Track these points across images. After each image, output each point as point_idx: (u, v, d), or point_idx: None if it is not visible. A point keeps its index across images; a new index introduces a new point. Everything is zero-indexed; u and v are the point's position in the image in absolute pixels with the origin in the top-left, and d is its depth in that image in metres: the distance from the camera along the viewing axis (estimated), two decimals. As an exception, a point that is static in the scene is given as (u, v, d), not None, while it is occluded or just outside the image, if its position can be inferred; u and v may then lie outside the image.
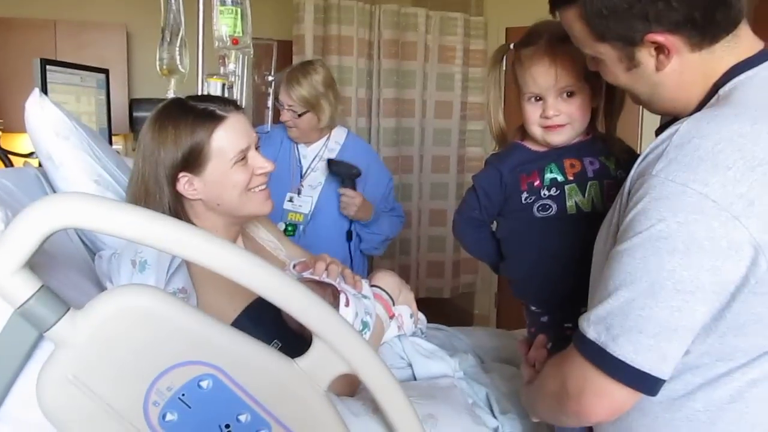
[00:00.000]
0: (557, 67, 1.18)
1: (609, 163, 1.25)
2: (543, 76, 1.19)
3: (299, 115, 2.31)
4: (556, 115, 1.21)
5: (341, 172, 2.30)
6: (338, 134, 2.47)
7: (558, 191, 1.24)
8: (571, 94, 1.21)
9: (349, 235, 2.40)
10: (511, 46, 1.28)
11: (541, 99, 1.22)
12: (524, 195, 1.26)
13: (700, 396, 0.91)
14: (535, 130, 1.25)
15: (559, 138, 1.24)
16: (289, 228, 2.37)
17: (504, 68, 1.32)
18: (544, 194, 1.24)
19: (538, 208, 1.25)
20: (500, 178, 1.28)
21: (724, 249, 0.81)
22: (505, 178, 1.28)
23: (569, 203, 1.23)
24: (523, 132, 1.30)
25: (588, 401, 0.91)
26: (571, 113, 1.22)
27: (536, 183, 1.25)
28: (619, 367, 0.87)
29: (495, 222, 1.39)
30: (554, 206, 1.24)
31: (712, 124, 0.86)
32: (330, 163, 2.33)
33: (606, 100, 1.27)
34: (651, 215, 0.85)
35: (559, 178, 1.24)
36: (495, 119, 1.32)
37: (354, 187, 2.31)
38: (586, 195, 1.23)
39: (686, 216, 0.82)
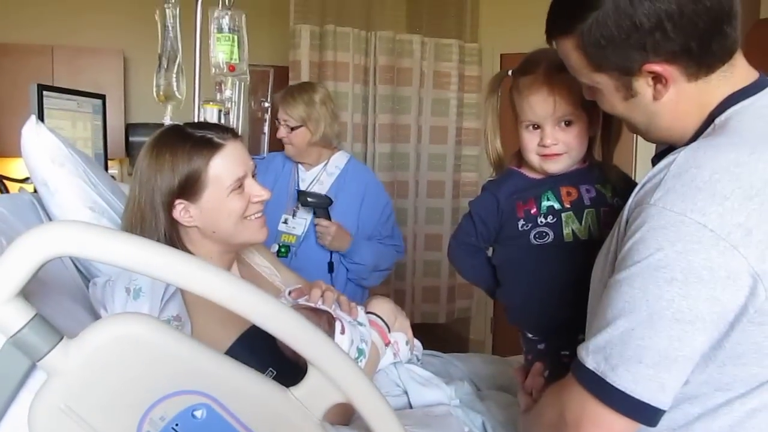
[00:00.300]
0: (555, 96, 1.18)
1: (605, 190, 1.25)
2: (541, 105, 1.19)
3: (292, 129, 2.33)
4: (554, 144, 1.21)
5: (312, 203, 2.30)
6: (339, 159, 2.47)
7: (555, 219, 1.23)
8: (569, 123, 1.21)
9: (330, 267, 2.38)
10: (509, 72, 1.28)
11: (538, 127, 1.22)
12: (521, 222, 1.25)
13: (700, 426, 0.91)
14: (533, 158, 1.24)
15: (556, 166, 1.24)
16: (282, 249, 2.37)
17: (500, 94, 1.32)
18: (541, 222, 1.24)
19: (534, 235, 1.24)
20: (497, 205, 1.28)
21: (723, 278, 0.81)
22: (502, 204, 1.27)
23: (566, 231, 1.23)
24: (520, 158, 1.30)
25: (586, 431, 0.90)
26: (569, 142, 1.22)
27: (533, 210, 1.25)
28: (618, 397, 0.86)
29: (491, 248, 1.38)
30: (551, 234, 1.23)
31: (709, 154, 0.87)
32: (300, 194, 2.32)
33: (603, 127, 1.27)
34: (649, 244, 0.85)
35: (556, 205, 1.24)
36: (492, 146, 1.32)
37: (328, 217, 2.31)
38: (583, 223, 1.22)
39: (684, 245, 0.82)
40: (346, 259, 2.37)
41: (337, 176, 2.43)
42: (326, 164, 2.44)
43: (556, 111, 1.19)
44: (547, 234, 1.24)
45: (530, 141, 1.23)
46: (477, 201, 1.34)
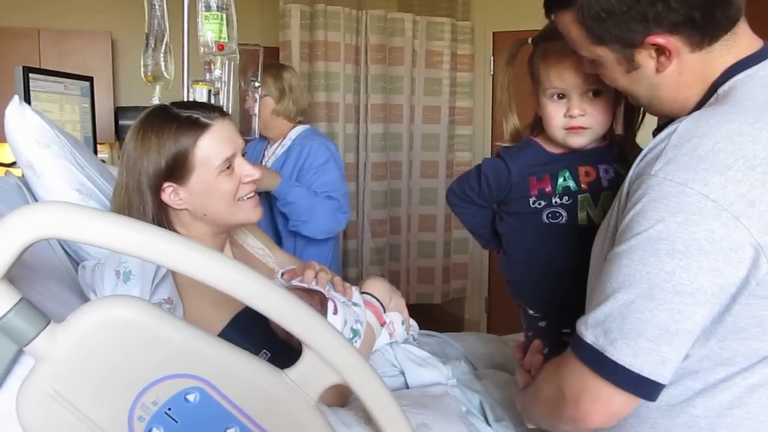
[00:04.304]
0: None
1: (624, 171, 1.18)
2: (571, 72, 1.13)
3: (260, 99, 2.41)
4: (581, 115, 1.15)
5: None
6: (295, 131, 2.55)
7: (570, 200, 1.20)
8: (597, 94, 1.15)
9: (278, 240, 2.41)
10: (529, 40, 1.22)
11: (564, 97, 1.16)
12: (533, 199, 1.22)
13: (700, 402, 0.90)
14: (557, 132, 1.19)
15: (580, 140, 1.19)
16: None
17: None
18: (556, 202, 1.20)
19: (547, 215, 1.21)
20: (507, 176, 1.24)
21: (725, 250, 0.80)
22: (513, 177, 1.23)
23: (581, 215, 1.19)
24: (534, 129, 1.27)
25: (585, 407, 0.89)
26: (595, 115, 1.16)
27: (547, 189, 1.21)
28: (618, 372, 0.85)
29: (498, 216, 1.34)
30: (565, 215, 1.20)
31: (711, 123, 0.85)
32: None
33: (627, 103, 1.20)
34: (650, 216, 0.83)
35: (573, 186, 1.20)
36: (509, 118, 1.28)
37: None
38: (599, 206, 1.19)
39: (686, 216, 0.81)
40: (279, 201, 2.33)
41: (288, 146, 2.52)
42: (284, 138, 2.55)
43: (586, 80, 1.13)
44: (560, 215, 1.20)
45: (556, 112, 1.17)
46: (490, 163, 1.28)
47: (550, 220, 1.21)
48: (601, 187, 1.20)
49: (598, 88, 1.14)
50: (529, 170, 1.23)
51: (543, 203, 1.21)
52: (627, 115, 1.23)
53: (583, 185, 1.20)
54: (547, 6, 1.00)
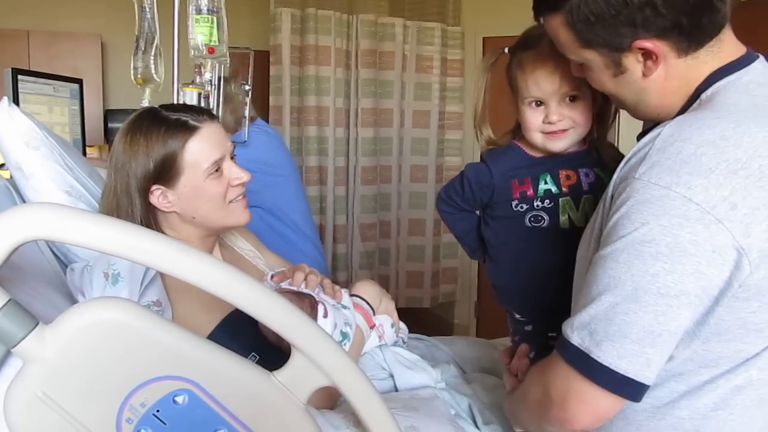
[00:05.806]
0: (561, 70, 1.13)
1: (604, 174, 1.21)
2: (547, 80, 1.15)
3: None
4: (560, 120, 1.17)
5: None
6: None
7: (552, 203, 1.21)
8: (573, 99, 1.17)
9: None
10: (506, 50, 1.24)
11: (542, 104, 1.18)
12: (515, 202, 1.23)
13: (685, 404, 0.91)
14: (536, 137, 1.20)
15: (560, 144, 1.20)
16: None
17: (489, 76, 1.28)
18: (537, 205, 1.21)
19: (530, 218, 1.22)
20: (490, 179, 1.25)
21: (708, 252, 0.81)
22: (496, 180, 1.24)
23: (563, 218, 1.20)
24: (514, 136, 1.27)
25: (571, 408, 0.90)
26: (575, 118, 1.17)
27: (529, 192, 1.22)
28: (603, 373, 0.86)
29: (483, 221, 1.35)
30: (547, 218, 1.21)
31: (694, 127, 0.86)
32: None
33: (598, 105, 1.22)
34: (634, 219, 0.84)
35: (554, 189, 1.21)
36: (482, 128, 1.29)
37: None
38: (580, 210, 1.20)
39: (670, 219, 0.82)
40: None
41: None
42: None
43: (562, 86, 1.14)
44: (542, 218, 1.21)
45: (534, 118, 1.19)
46: (473, 167, 1.29)
47: (533, 223, 1.22)
48: (581, 191, 1.21)
49: (574, 93, 1.16)
50: (511, 173, 1.24)
51: (525, 206, 1.22)
52: (597, 116, 1.24)
53: (564, 189, 1.21)
54: (536, 9, 1.01)
